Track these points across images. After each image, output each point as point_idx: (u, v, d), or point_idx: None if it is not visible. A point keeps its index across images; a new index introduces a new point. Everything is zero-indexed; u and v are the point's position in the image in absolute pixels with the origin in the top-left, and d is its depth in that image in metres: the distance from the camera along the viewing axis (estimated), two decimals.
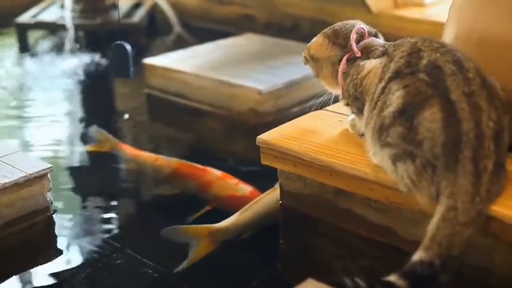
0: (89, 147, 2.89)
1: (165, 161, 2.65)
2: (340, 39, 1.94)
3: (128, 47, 2.62)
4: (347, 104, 1.94)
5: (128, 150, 2.80)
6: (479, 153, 1.55)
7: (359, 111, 1.87)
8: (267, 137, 2.03)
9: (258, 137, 2.03)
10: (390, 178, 1.69)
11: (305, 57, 2.04)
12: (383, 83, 1.73)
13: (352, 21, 1.98)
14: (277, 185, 2.24)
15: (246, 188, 2.38)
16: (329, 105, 2.11)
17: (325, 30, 2.01)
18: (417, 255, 1.51)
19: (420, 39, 1.76)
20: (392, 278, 1.48)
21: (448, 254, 1.49)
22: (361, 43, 1.91)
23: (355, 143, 1.91)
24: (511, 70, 1.80)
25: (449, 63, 1.65)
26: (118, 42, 2.63)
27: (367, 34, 1.94)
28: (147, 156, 2.73)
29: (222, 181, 2.44)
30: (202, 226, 2.11)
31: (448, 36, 1.95)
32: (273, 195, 2.18)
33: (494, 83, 1.69)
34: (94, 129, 2.92)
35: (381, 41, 1.94)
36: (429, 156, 1.57)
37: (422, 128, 1.58)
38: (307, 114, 2.16)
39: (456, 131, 1.56)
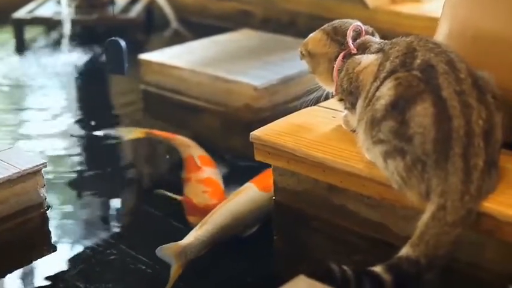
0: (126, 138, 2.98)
1: (184, 149, 2.69)
2: (339, 36, 1.95)
3: (123, 43, 2.60)
4: (340, 100, 1.94)
5: (159, 133, 2.87)
6: (469, 151, 1.56)
7: (352, 106, 1.86)
8: (260, 133, 2.02)
9: (251, 133, 2.03)
10: (383, 174, 1.69)
11: (302, 52, 2.04)
12: (378, 82, 1.73)
13: (351, 20, 1.99)
14: (232, 194, 2.25)
15: (207, 199, 2.30)
16: (322, 101, 2.11)
17: (323, 26, 2.01)
18: (404, 250, 1.52)
19: (416, 39, 1.76)
20: (379, 269, 1.49)
21: (434, 254, 1.50)
22: (358, 40, 1.92)
23: (348, 139, 1.90)
24: (504, 67, 1.80)
25: (442, 63, 1.66)
26: (112, 38, 2.61)
27: (364, 32, 1.94)
28: (180, 139, 2.79)
29: (196, 183, 2.41)
30: (174, 244, 2.03)
31: (442, 33, 1.95)
32: (232, 203, 2.17)
33: (489, 78, 1.69)
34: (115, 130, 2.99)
35: (377, 39, 1.95)
36: (419, 153, 1.57)
37: (413, 122, 1.59)
38: (300, 110, 2.15)
39: (447, 128, 1.56)
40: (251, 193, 2.22)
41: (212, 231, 2.06)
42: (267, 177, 2.25)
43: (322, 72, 1.99)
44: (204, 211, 2.20)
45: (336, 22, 1.99)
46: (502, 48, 1.80)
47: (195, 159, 2.57)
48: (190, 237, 2.03)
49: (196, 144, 2.74)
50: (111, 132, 3.00)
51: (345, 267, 1.49)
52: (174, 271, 1.93)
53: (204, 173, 2.47)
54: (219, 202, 2.24)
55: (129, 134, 2.97)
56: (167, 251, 1.99)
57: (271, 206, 2.16)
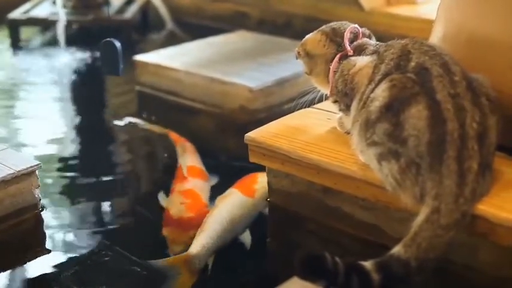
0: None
1: (179, 158, 2.67)
2: (338, 37, 1.94)
3: (118, 44, 2.60)
4: (335, 101, 1.94)
5: (173, 136, 2.90)
6: (463, 154, 1.56)
7: (347, 108, 1.87)
8: (255, 134, 2.02)
9: (246, 134, 2.03)
10: (377, 176, 1.69)
11: (299, 52, 2.02)
12: (373, 85, 1.73)
13: (348, 22, 1.99)
14: (217, 201, 2.25)
15: (183, 212, 2.25)
16: (317, 103, 2.11)
17: (322, 27, 2.00)
18: (396, 249, 1.52)
19: (411, 41, 1.77)
20: (369, 266, 1.49)
21: (425, 257, 1.50)
22: (355, 43, 1.92)
23: (343, 141, 1.91)
24: (498, 70, 1.80)
25: (436, 65, 1.67)
26: (107, 39, 2.60)
27: (361, 35, 1.94)
28: (181, 146, 2.79)
29: (177, 194, 2.37)
30: (179, 256, 2.01)
31: (436, 36, 1.95)
32: (224, 209, 2.17)
33: (484, 81, 1.70)
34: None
35: (373, 41, 1.95)
36: (413, 155, 1.57)
37: (408, 124, 1.59)
38: (295, 112, 2.16)
39: (441, 130, 1.56)
40: (238, 199, 2.23)
41: (214, 238, 2.05)
42: (249, 183, 2.28)
43: (319, 74, 1.99)
44: (177, 223, 2.19)
45: (334, 24, 1.99)
46: (496, 51, 1.81)
47: (183, 169, 2.54)
48: (197, 247, 2.01)
49: (195, 152, 2.72)
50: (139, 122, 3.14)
51: (338, 260, 1.49)
52: (184, 282, 1.91)
53: (188, 184, 2.43)
54: (195, 216, 2.22)
55: (151, 125, 3.09)
56: (174, 260, 1.98)
57: (257, 211, 2.20)
